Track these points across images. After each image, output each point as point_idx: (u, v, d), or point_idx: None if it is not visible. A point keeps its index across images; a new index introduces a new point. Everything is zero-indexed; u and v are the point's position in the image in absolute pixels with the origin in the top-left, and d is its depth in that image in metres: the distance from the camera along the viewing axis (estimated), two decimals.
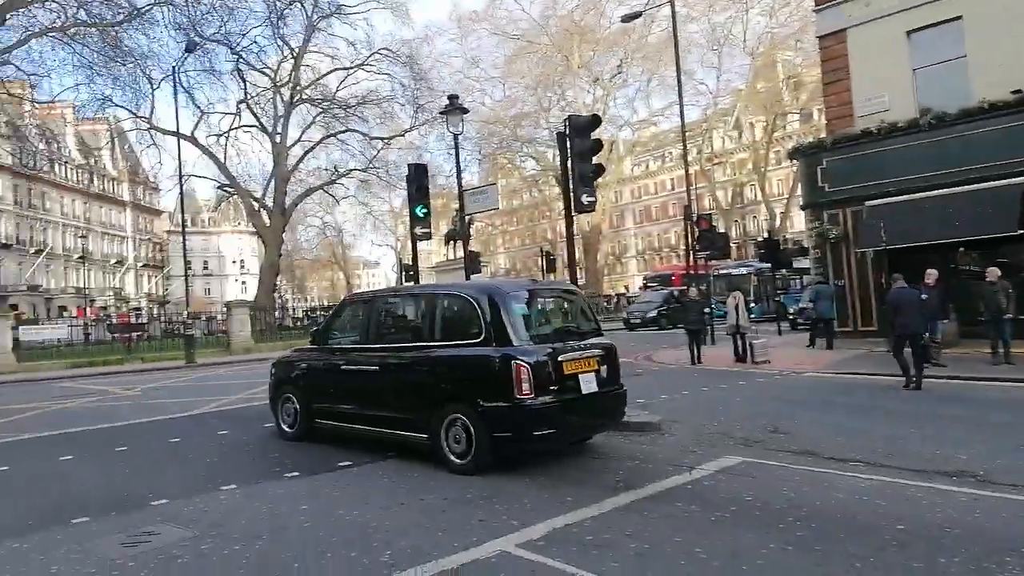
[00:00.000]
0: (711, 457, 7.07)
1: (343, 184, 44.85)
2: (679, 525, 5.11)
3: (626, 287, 76.25)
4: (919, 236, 15.81)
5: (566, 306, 8.10)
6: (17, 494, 5.71)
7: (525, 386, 6.47)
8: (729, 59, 63.09)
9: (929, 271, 13.30)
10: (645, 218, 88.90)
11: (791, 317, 23.88)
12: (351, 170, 43.10)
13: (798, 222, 56.57)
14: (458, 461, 6.80)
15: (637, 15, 28.41)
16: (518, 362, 6.51)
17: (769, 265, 24.15)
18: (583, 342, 7.31)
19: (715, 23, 48.12)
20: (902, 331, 11.14)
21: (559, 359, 6.80)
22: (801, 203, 21.42)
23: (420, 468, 7.04)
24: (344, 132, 41.14)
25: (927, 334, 11.84)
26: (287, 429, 8.83)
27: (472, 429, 6.71)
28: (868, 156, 17.56)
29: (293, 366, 9.06)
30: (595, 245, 53.15)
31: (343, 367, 8.17)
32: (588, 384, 6.96)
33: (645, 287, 44.01)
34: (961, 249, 16.32)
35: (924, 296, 12.88)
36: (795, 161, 22.22)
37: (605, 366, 7.22)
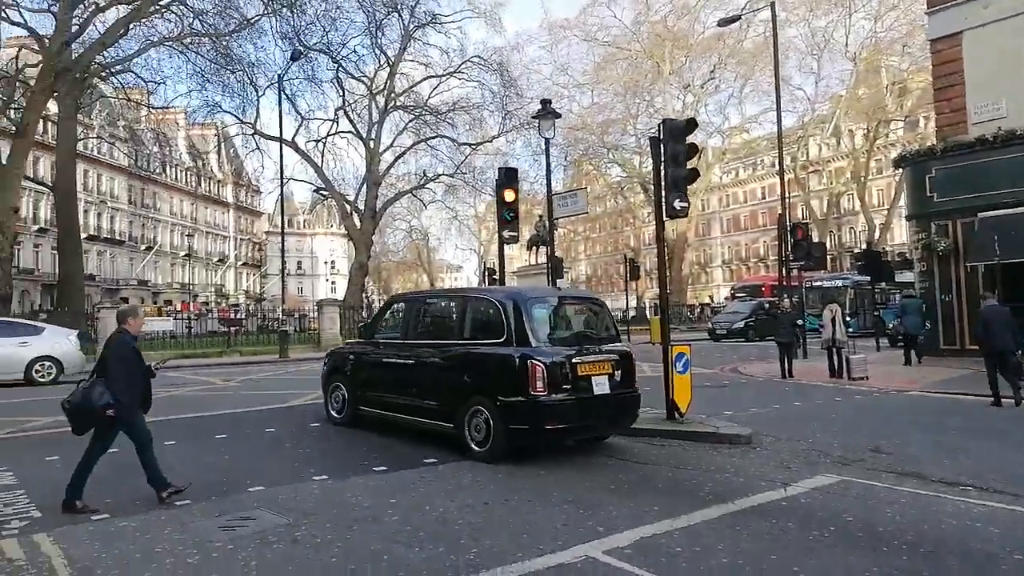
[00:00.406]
0: (807, 474, 6.77)
1: (431, 189, 45.85)
2: (774, 542, 4.90)
3: (711, 297, 74.37)
4: None
5: (588, 314, 8.72)
6: (124, 475, 6.07)
7: (539, 384, 7.06)
8: (829, 64, 60.68)
9: None
10: (733, 227, 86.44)
11: (890, 332, 22.69)
12: (439, 175, 44.00)
13: (898, 234, 53.85)
14: (478, 449, 7.43)
15: (735, 19, 27.76)
16: (534, 362, 7.10)
17: (868, 278, 22.97)
18: (599, 347, 7.81)
19: (815, 27, 46.35)
20: (992, 348, 11.03)
21: (574, 361, 7.34)
22: (906, 213, 20.35)
23: (504, 468, 7.09)
24: (434, 138, 42.05)
25: (1019, 351, 11.60)
26: (335, 415, 9.58)
27: (491, 421, 7.30)
28: (982, 165, 16.50)
29: (343, 358, 9.84)
30: (680, 253, 51.98)
31: (384, 360, 8.93)
32: (600, 386, 7.43)
33: (733, 297, 42.81)
34: None
35: None
36: (899, 170, 21.16)
37: (619, 371, 7.71)
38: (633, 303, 45.32)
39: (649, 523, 5.27)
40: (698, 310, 51.46)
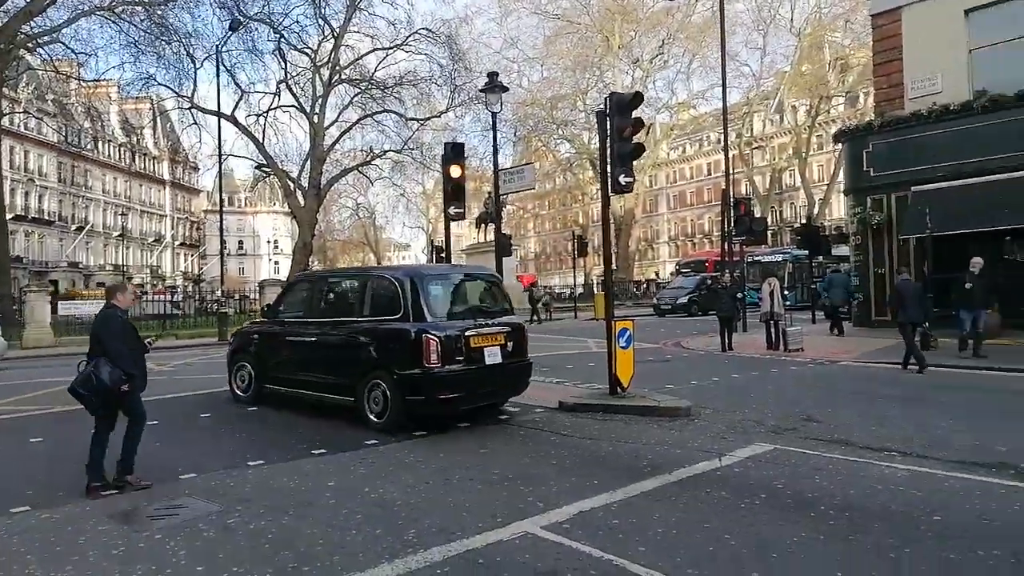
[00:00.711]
0: (742, 444, 6.94)
1: (377, 165, 44.93)
2: (708, 511, 5.02)
3: (657, 273, 75.51)
4: (966, 223, 15.30)
5: (483, 289, 9.17)
6: (49, 465, 5.82)
7: (433, 356, 7.48)
8: (775, 40, 61.63)
9: (974, 260, 12.86)
10: (679, 203, 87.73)
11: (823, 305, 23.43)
12: (386, 151, 43.17)
13: (836, 209, 55.38)
14: (376, 420, 7.81)
15: None
16: (428, 335, 7.51)
17: (805, 252, 23.64)
18: (492, 320, 8.32)
19: (762, 2, 47.02)
20: (904, 320, 11.82)
21: (467, 334, 7.81)
22: (843, 188, 20.89)
23: (446, 447, 7.08)
24: (380, 113, 41.14)
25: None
26: (240, 393, 9.81)
27: (389, 393, 7.70)
28: (917, 140, 17.04)
29: (248, 337, 10.16)
30: (628, 229, 52.52)
31: (288, 338, 9.23)
32: (492, 356, 7.95)
33: (678, 273, 43.52)
34: (1007, 238, 15.76)
35: (968, 285, 12.53)
36: (839, 145, 21.67)
37: (511, 342, 8.24)
38: (581, 280, 45.61)
39: (588, 497, 5.33)
40: (644, 286, 52.25)
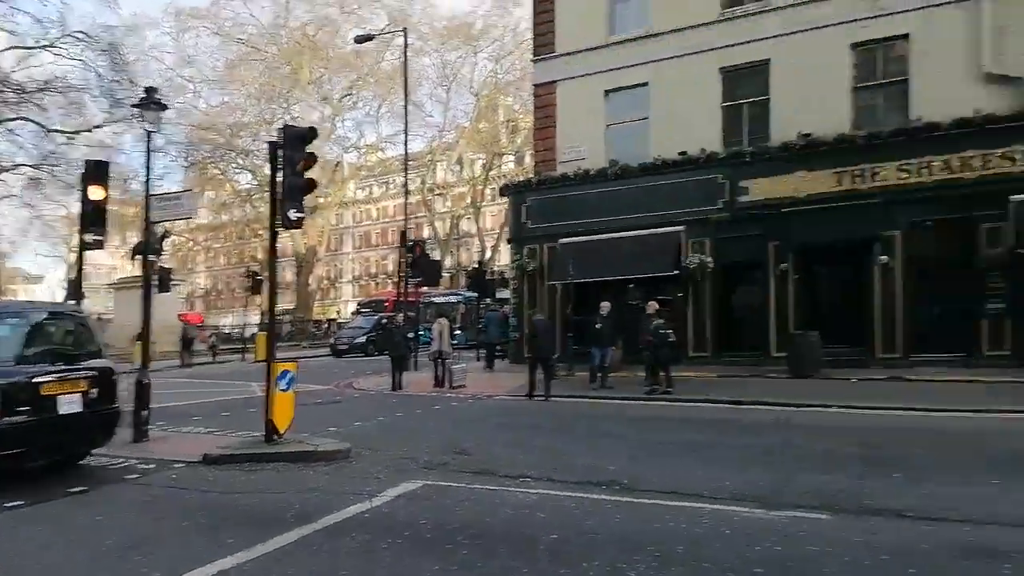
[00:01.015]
0: (394, 483, 6.95)
1: (4, 180, 37.66)
2: (348, 557, 4.87)
3: (338, 312, 74.86)
4: (598, 272, 17.88)
5: (59, 329, 8.23)
6: None
7: None
8: (457, 97, 66.58)
9: (603, 304, 15.03)
10: (364, 243, 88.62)
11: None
12: (17, 165, 36.36)
13: (504, 256, 61.01)
14: None
15: (369, 37, 28.65)
16: None
17: (476, 294, 25.41)
18: (72, 365, 7.44)
19: (446, 60, 50.24)
20: (536, 354, 13.67)
21: (35, 380, 6.92)
22: (508, 237, 22.97)
23: (48, 518, 6.01)
24: (15, 120, 34.60)
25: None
26: None
27: None
28: (565, 198, 19.49)
29: None
30: (309, 267, 51.35)
31: None
32: (69, 405, 7.16)
33: (358, 312, 43.48)
34: (631, 285, 18.70)
35: (598, 325, 14.55)
36: (506, 198, 23.86)
37: (96, 388, 7.47)
38: (257, 319, 43.10)
39: (221, 558, 4.83)
40: (326, 326, 51.29)
